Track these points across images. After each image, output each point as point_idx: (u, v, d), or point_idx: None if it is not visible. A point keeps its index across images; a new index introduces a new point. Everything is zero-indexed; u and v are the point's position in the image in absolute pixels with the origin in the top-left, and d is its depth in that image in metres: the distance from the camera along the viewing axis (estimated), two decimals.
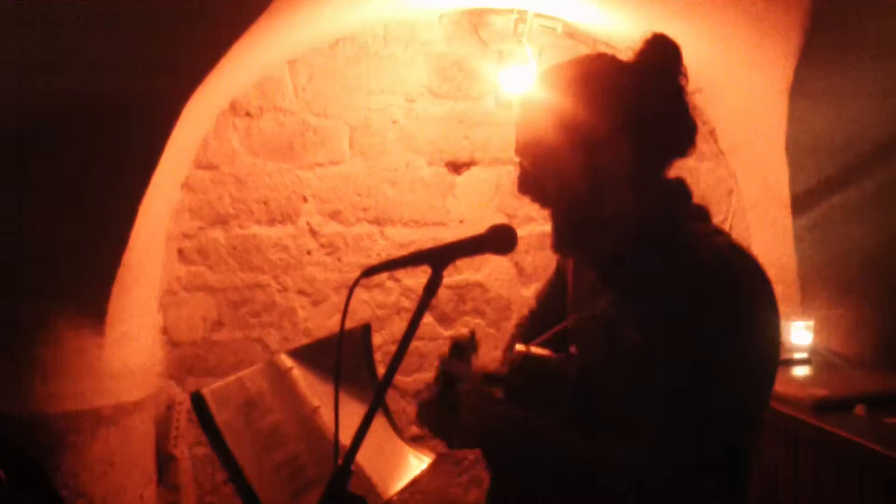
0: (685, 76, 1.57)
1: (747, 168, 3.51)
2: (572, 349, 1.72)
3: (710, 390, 1.43)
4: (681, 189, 1.63)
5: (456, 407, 1.63)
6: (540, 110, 1.60)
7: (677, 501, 1.45)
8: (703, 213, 1.63)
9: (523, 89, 3.60)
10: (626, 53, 1.59)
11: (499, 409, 1.61)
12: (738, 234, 3.53)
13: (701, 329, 1.44)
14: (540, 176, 1.60)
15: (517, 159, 1.63)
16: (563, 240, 1.64)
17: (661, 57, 1.57)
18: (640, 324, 1.51)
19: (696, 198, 1.65)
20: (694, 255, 1.50)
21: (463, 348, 1.70)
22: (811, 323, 3.20)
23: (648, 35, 1.59)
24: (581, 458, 1.51)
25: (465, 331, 1.76)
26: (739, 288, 1.47)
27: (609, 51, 1.63)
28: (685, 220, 1.59)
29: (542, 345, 1.74)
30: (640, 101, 1.54)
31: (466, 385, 1.62)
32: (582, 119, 1.54)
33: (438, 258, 1.52)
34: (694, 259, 1.49)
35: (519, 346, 1.77)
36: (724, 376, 1.44)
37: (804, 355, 3.13)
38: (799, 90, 2.83)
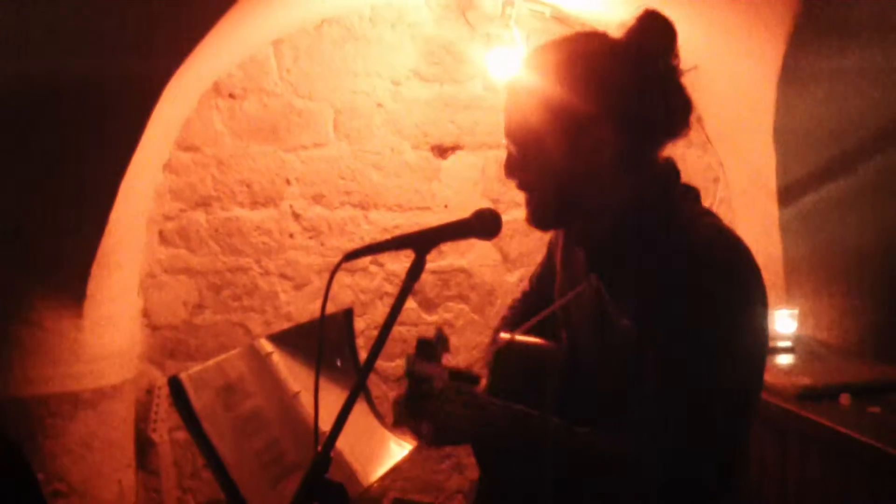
0: (677, 55, 1.54)
1: (734, 156, 3.49)
2: (563, 336, 1.70)
3: (707, 375, 1.41)
4: (671, 170, 1.60)
5: (427, 407, 1.59)
6: (524, 93, 1.57)
7: (679, 489, 1.43)
8: (693, 194, 1.61)
9: (511, 73, 3.59)
10: (618, 30, 1.56)
11: (475, 403, 1.58)
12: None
13: (696, 314, 1.42)
14: (526, 159, 1.57)
15: (505, 142, 1.61)
16: (540, 218, 1.61)
17: (652, 35, 1.53)
18: (633, 308, 1.49)
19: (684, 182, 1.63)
20: (685, 238, 1.48)
21: (430, 346, 1.67)
22: (796, 311, 3.19)
23: (641, 12, 1.55)
24: (576, 450, 1.49)
25: (432, 331, 1.73)
26: (732, 273, 1.46)
27: None
28: (675, 201, 1.57)
29: (530, 331, 1.72)
30: (628, 82, 1.51)
31: (436, 384, 1.59)
32: (565, 102, 1.51)
33: (422, 242, 1.50)
34: (686, 243, 1.47)
35: (504, 334, 1.75)
36: (720, 361, 1.42)
37: (788, 344, 3.13)
38: (787, 77, 2.82)
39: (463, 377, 1.65)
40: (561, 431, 1.50)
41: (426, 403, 1.58)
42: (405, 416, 1.63)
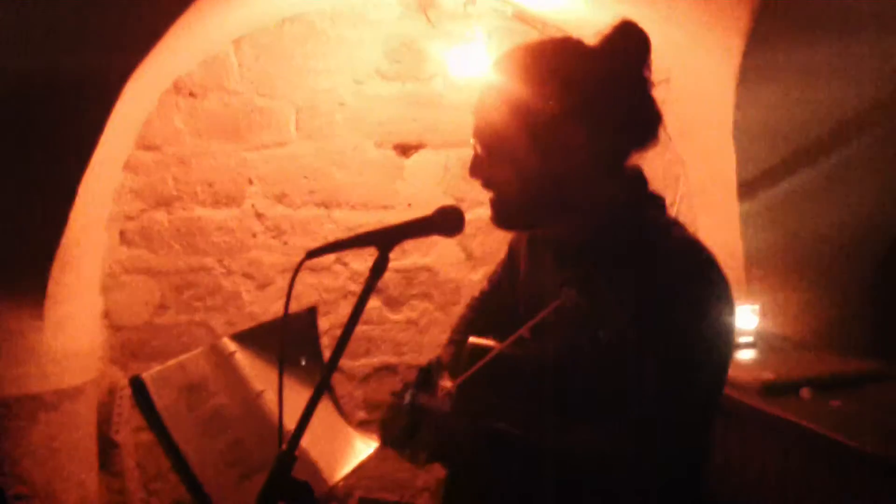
0: (649, 67, 1.55)
1: (695, 153, 3.52)
2: (525, 333, 1.70)
3: (689, 383, 1.45)
4: (638, 178, 1.61)
5: (428, 440, 1.59)
6: (494, 96, 1.57)
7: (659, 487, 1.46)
8: (658, 202, 1.62)
9: (473, 71, 3.61)
10: (593, 38, 1.57)
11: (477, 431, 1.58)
12: (684, 219, 3.53)
13: (677, 324, 1.44)
14: (492, 161, 1.57)
15: (472, 141, 1.61)
16: (504, 218, 1.62)
17: (626, 45, 1.54)
18: (608, 320, 1.51)
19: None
20: (657, 248, 1.51)
21: (428, 376, 1.68)
22: (757, 307, 3.22)
23: (617, 21, 1.56)
24: (572, 459, 1.50)
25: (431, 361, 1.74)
26: (707, 283, 1.49)
27: (560, 34, 1.60)
28: (643, 209, 1.58)
29: (500, 335, 1.72)
30: (600, 90, 1.51)
31: (440, 424, 1.59)
32: (535, 108, 1.51)
33: (385, 239, 1.50)
34: (658, 253, 1.50)
35: (472, 339, 1.74)
36: (699, 368, 1.46)
37: (750, 339, 3.15)
38: (747, 73, 2.84)
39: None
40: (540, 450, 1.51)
41: (427, 437, 1.59)
42: (399, 444, 1.63)
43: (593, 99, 1.51)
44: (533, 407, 1.58)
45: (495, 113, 1.56)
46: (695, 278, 1.48)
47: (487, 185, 1.61)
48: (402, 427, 1.62)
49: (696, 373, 1.46)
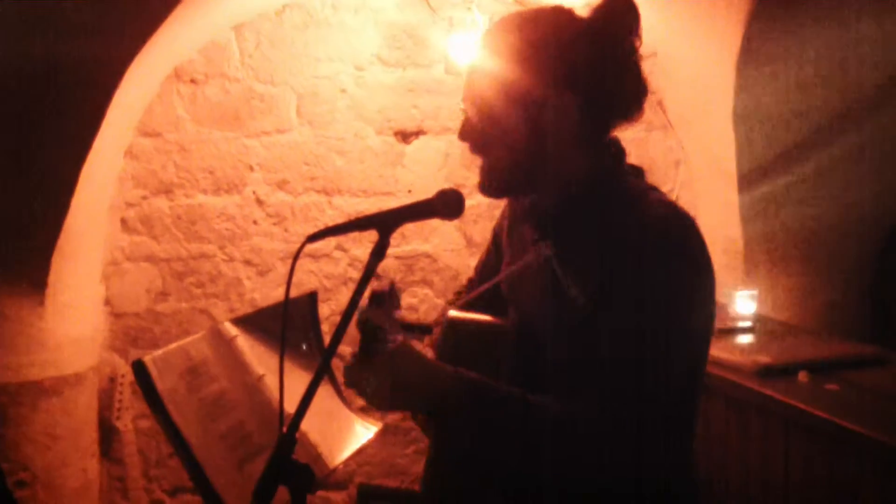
0: (639, 38, 1.56)
1: (695, 139, 3.52)
2: (511, 311, 1.71)
3: (660, 348, 1.43)
4: (617, 147, 1.62)
5: (377, 360, 1.51)
6: (483, 64, 1.59)
7: (628, 459, 1.45)
8: (637, 171, 1.64)
9: (474, 53, 3.60)
10: (583, 9, 1.58)
11: (429, 368, 1.55)
12: (684, 205, 3.53)
13: (650, 287, 1.44)
14: (481, 126, 1.58)
15: (463, 105, 1.62)
16: (491, 184, 1.62)
17: (615, 15, 1.54)
18: (583, 280, 1.50)
19: (644, 167, 1.65)
20: (638, 213, 1.50)
21: (382, 298, 1.64)
22: (755, 292, 3.23)
23: None
24: (530, 419, 1.47)
25: (384, 282, 1.67)
26: (685, 247, 1.48)
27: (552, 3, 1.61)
28: (623, 176, 1.60)
29: (478, 307, 1.72)
30: (590, 60, 1.52)
31: (390, 336, 1.54)
32: (524, 75, 1.53)
33: (385, 222, 1.50)
34: (638, 217, 1.50)
35: (452, 312, 1.75)
36: (672, 334, 1.44)
37: (748, 324, 3.17)
38: (747, 59, 2.84)
39: (415, 329, 1.64)
40: (518, 402, 1.49)
41: (377, 356, 1.50)
42: (354, 371, 1.56)
43: (581, 70, 1.52)
44: (495, 367, 1.58)
45: (484, 81, 1.57)
46: (669, 243, 1.47)
47: (475, 149, 1.61)
48: (356, 351, 1.56)
49: (662, 342, 1.43)
